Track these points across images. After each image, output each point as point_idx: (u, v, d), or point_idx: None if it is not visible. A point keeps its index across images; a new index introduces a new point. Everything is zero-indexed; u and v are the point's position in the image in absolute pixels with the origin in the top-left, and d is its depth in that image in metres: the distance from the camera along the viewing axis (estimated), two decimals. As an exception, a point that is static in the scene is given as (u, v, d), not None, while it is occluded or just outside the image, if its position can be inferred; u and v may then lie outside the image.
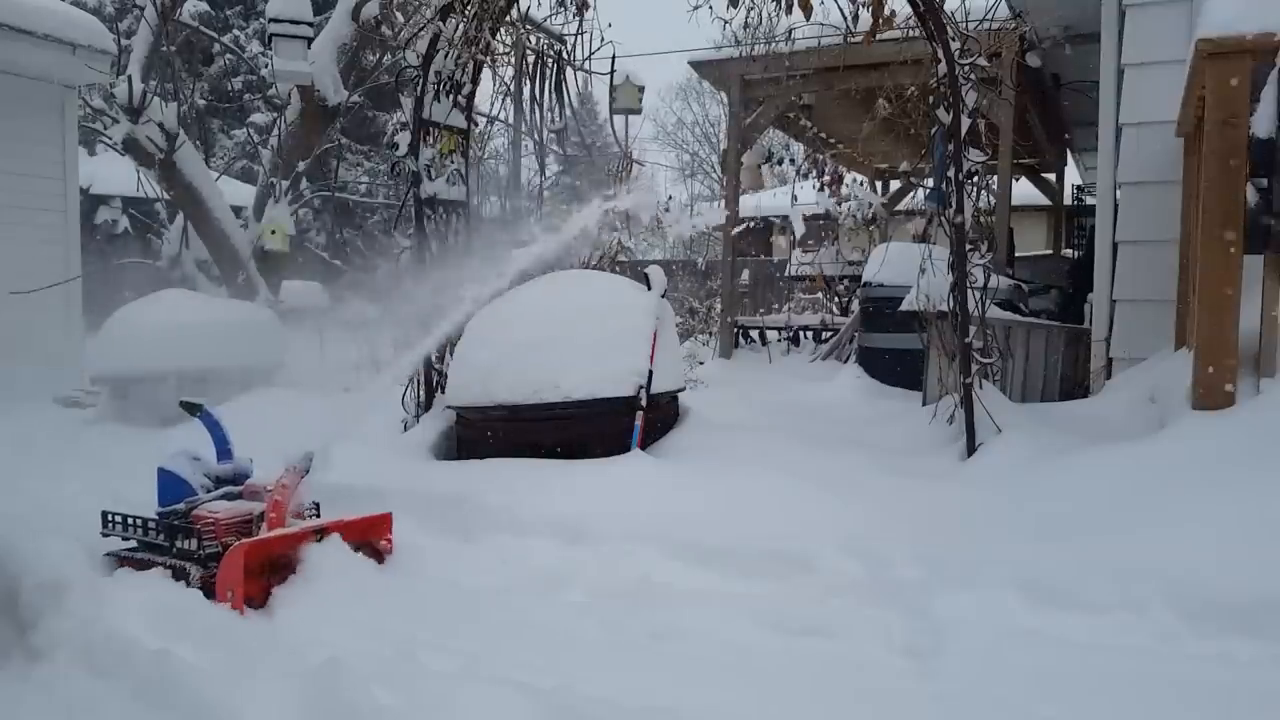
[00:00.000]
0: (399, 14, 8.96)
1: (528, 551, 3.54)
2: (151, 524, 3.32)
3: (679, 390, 5.08)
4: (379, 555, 3.37)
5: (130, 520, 3.39)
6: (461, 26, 5.38)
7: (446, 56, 5.41)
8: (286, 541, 3.09)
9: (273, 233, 7.76)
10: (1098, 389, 5.67)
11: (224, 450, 3.58)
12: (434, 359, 5.56)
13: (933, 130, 4.68)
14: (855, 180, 12.99)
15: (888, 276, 6.87)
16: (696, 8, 5.70)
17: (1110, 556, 3.01)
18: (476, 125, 6.02)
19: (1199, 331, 3.74)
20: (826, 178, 11.96)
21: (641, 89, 6.98)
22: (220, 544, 3.13)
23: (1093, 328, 5.98)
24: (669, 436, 4.79)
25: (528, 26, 6.14)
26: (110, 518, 3.43)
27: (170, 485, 3.38)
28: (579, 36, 5.90)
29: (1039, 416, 4.84)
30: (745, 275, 14.14)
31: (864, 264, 8.53)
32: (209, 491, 3.41)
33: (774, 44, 6.35)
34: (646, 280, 4.99)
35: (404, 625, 2.83)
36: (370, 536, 3.39)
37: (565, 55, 6.18)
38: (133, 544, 3.40)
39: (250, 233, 8.19)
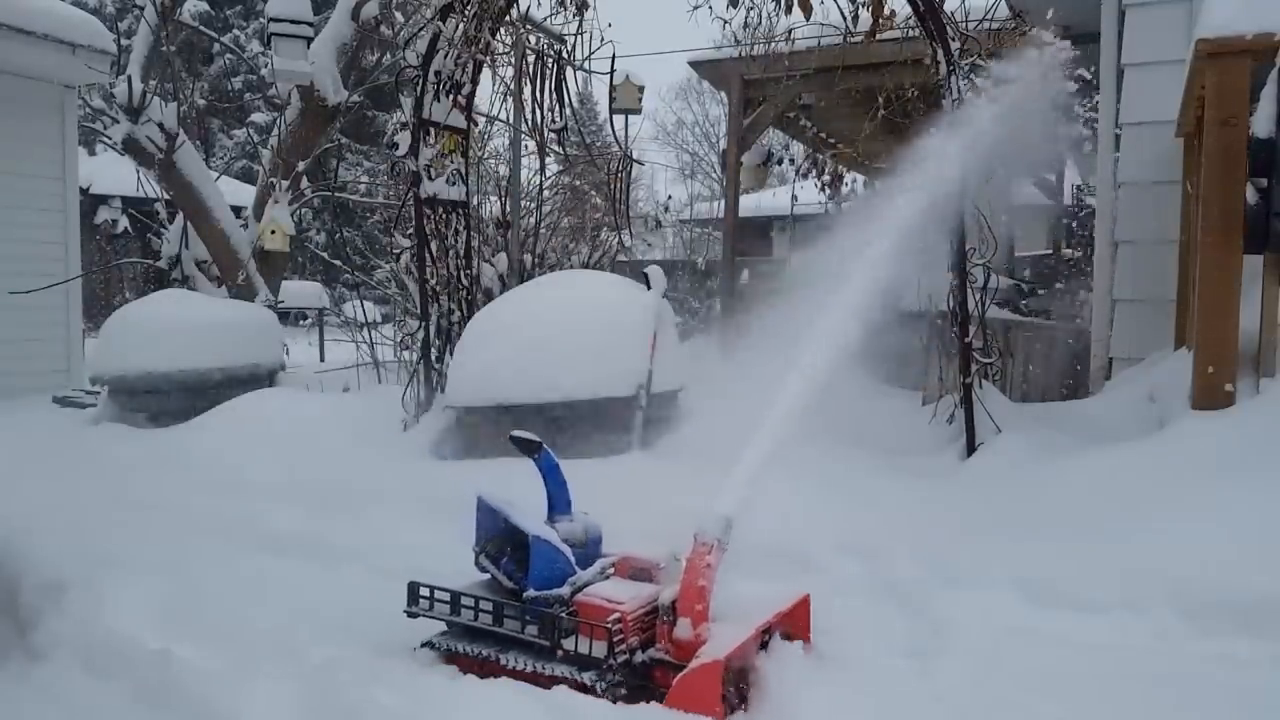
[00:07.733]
0: (399, 14, 8.96)
1: (527, 551, 3.53)
2: (511, 611, 2.46)
3: (678, 389, 5.08)
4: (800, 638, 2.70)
5: (471, 602, 2.49)
6: (461, 26, 5.38)
7: (446, 56, 5.41)
8: (751, 648, 2.45)
9: (273, 233, 7.75)
10: (1098, 389, 5.66)
11: (563, 501, 2.83)
12: (434, 359, 5.57)
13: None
14: (854, 180, 12.97)
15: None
16: (696, 8, 5.73)
17: (1110, 556, 3.01)
18: (476, 125, 6.02)
19: (1199, 331, 3.74)
20: (826, 178, 11.95)
21: (641, 89, 6.96)
22: (627, 647, 2.39)
23: (1093, 328, 5.98)
24: (669, 436, 4.79)
25: (528, 26, 6.14)
26: (428, 593, 2.54)
27: (547, 559, 2.52)
28: (579, 36, 5.90)
29: (1039, 416, 4.83)
30: (745, 275, 14.11)
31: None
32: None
33: (774, 44, 6.35)
34: (646, 280, 5.00)
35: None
36: (798, 626, 2.71)
37: (565, 55, 6.18)
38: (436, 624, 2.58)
39: (250, 233, 8.19)
